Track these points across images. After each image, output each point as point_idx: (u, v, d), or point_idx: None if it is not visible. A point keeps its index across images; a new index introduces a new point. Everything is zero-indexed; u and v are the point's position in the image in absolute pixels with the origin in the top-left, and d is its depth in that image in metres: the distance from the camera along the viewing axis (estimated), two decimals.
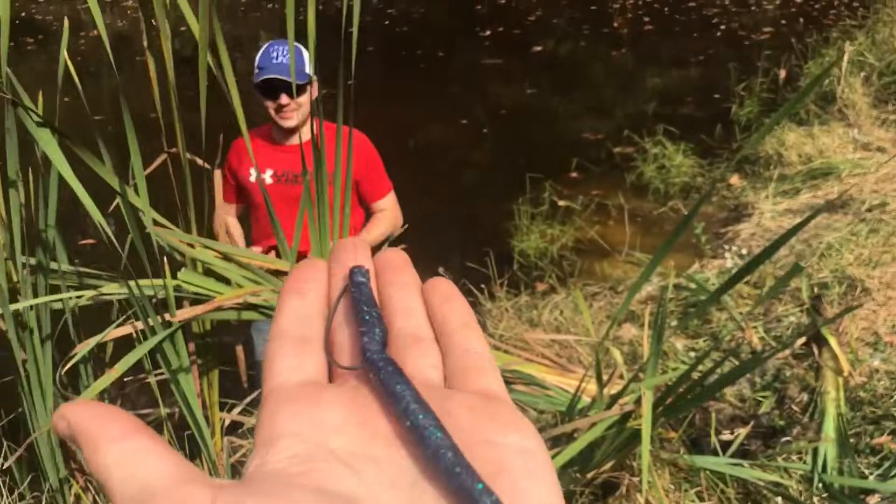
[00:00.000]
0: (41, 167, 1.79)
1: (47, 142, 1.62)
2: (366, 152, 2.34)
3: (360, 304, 0.34)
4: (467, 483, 0.28)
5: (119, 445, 0.28)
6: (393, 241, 2.50)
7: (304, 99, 2.25)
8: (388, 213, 2.45)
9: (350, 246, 0.39)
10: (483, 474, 0.29)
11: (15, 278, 1.87)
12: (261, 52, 2.27)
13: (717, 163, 4.72)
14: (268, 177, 2.32)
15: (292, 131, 2.30)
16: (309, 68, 2.22)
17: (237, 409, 1.99)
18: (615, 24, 8.81)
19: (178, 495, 0.27)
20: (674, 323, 3.02)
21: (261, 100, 2.28)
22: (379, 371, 0.31)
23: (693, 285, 3.20)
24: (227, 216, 2.34)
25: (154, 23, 1.72)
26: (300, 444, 0.29)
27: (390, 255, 0.38)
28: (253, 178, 2.31)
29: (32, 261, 1.84)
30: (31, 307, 1.84)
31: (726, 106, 5.38)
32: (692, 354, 2.85)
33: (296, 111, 2.25)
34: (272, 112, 2.26)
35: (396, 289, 0.37)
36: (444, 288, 0.36)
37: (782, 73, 5.56)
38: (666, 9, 9.11)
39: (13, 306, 1.76)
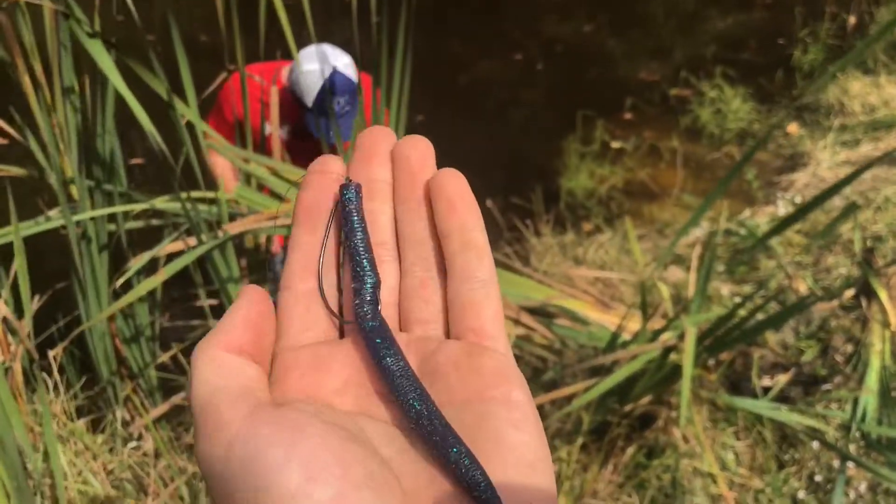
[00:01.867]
0: (96, 82, 1.81)
1: (99, 54, 1.63)
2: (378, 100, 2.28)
3: (355, 243, 0.34)
4: (443, 448, 0.30)
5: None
6: None
7: None
8: None
9: (366, 149, 0.38)
10: (468, 427, 0.31)
11: (75, 191, 1.92)
12: (307, 68, 2.10)
13: (776, 110, 4.59)
14: (284, 132, 2.22)
15: None
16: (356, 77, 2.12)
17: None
18: None
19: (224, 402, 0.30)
20: (721, 268, 2.99)
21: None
22: (367, 342, 0.33)
23: (743, 231, 3.16)
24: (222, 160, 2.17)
25: None
26: (306, 408, 0.31)
27: (409, 153, 0.37)
28: (266, 132, 2.17)
29: (91, 177, 1.88)
30: (93, 218, 1.88)
31: (789, 52, 5.21)
32: (737, 300, 2.82)
33: None
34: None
35: (409, 209, 0.37)
36: (448, 188, 0.36)
37: (851, 19, 5.34)
38: None
39: (76, 217, 1.81)
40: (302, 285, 0.35)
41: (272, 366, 0.34)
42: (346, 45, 2.25)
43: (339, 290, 0.36)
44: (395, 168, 0.37)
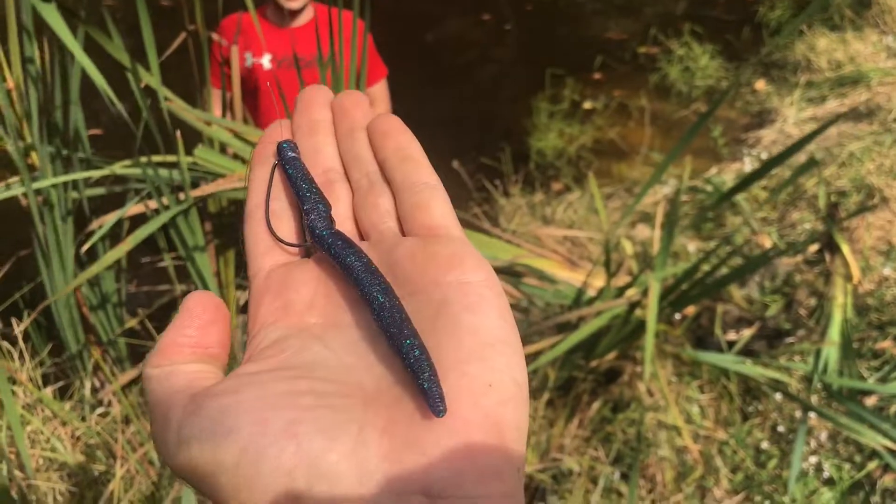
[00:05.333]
0: (54, 48, 1.78)
1: (56, 21, 1.59)
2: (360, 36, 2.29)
3: (298, 181, 0.36)
4: (398, 340, 0.30)
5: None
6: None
7: None
8: (380, 103, 2.38)
9: (305, 101, 0.40)
10: (428, 317, 0.31)
11: (35, 157, 1.89)
12: None
13: (744, 67, 4.61)
14: (266, 61, 2.25)
15: (293, 14, 2.23)
16: None
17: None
18: None
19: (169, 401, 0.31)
20: (687, 224, 3.01)
21: None
22: (329, 247, 0.34)
23: (709, 188, 3.18)
24: (214, 107, 2.24)
25: None
26: (276, 331, 0.33)
27: (343, 100, 0.40)
28: (249, 63, 2.24)
29: (52, 144, 1.85)
30: (54, 186, 1.85)
31: (756, 9, 5.21)
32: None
33: None
34: None
35: (348, 137, 0.39)
36: (383, 124, 0.38)
37: None
38: None
39: (35, 185, 1.78)
40: (262, 214, 0.37)
41: (249, 291, 0.36)
42: None
43: (298, 222, 0.37)
44: (334, 113, 0.40)
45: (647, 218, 3.11)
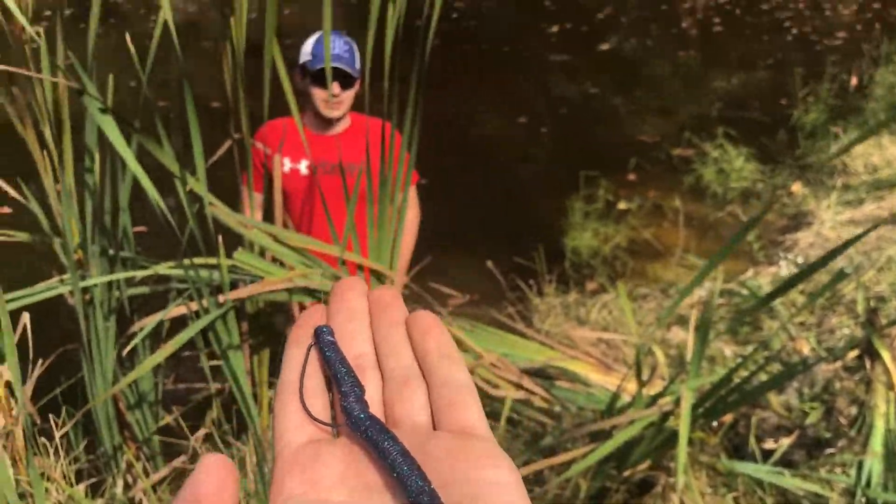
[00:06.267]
0: (105, 152, 1.87)
1: (111, 128, 1.68)
2: (397, 145, 2.35)
3: (335, 364, 0.39)
4: None
5: None
6: (436, 235, 2.51)
7: (352, 92, 2.28)
8: (410, 208, 2.40)
9: (342, 290, 0.43)
10: None
11: (84, 257, 1.96)
12: (313, 39, 2.28)
13: (779, 169, 4.64)
14: (302, 167, 2.33)
15: (331, 122, 2.32)
16: (359, 63, 2.25)
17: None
18: (684, 25, 8.67)
19: None
20: (723, 328, 2.99)
21: (305, 87, 2.29)
22: (364, 431, 0.36)
23: (745, 291, 3.17)
24: (255, 210, 2.32)
25: (226, 11, 1.78)
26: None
27: (382, 294, 0.43)
28: (287, 169, 2.32)
29: (99, 244, 1.92)
30: (97, 284, 1.92)
31: (791, 111, 5.27)
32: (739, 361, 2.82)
33: (343, 102, 2.28)
34: (318, 101, 2.27)
35: (386, 327, 0.41)
36: (423, 321, 0.41)
37: (853, 80, 5.42)
38: (738, 10, 8.93)
39: (83, 283, 1.85)
40: (295, 389, 0.39)
41: (275, 463, 0.37)
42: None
43: (331, 406, 0.39)
44: (371, 305, 0.43)
45: (682, 320, 3.09)
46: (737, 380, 2.02)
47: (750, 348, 2.92)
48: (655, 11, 9.17)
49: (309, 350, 0.40)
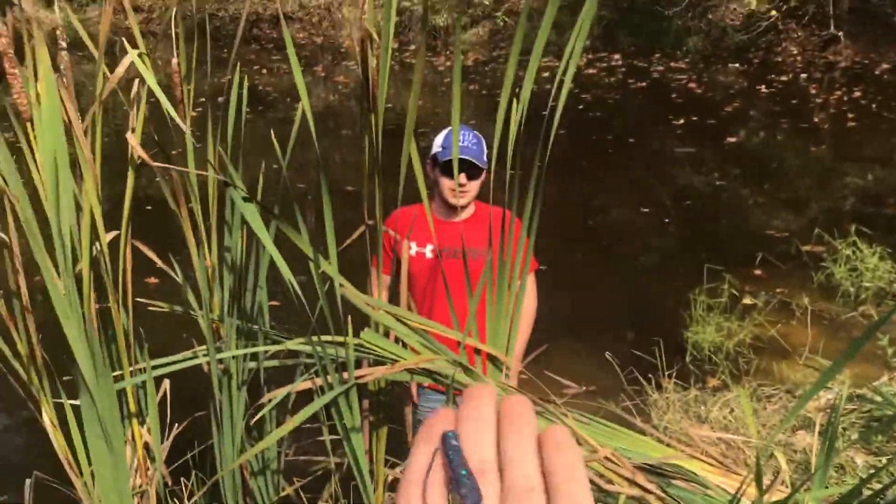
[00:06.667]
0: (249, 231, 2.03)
1: (252, 215, 1.83)
2: (517, 233, 2.41)
3: (457, 469, 0.41)
4: None
5: None
6: (554, 323, 2.53)
7: (478, 182, 2.39)
8: (526, 300, 2.44)
9: (474, 397, 0.45)
10: None
11: (222, 331, 2.11)
12: (444, 133, 2.42)
13: None
14: (427, 251, 2.44)
15: (456, 209, 2.42)
16: (485, 156, 2.37)
17: (400, 468, 2.10)
18: (816, 120, 8.49)
19: None
20: (854, 436, 2.85)
21: (435, 176, 2.42)
22: None
23: (879, 398, 3.01)
24: (382, 291, 2.43)
25: (364, 104, 1.92)
26: None
27: (513, 404, 0.44)
28: (413, 252, 2.44)
29: (236, 317, 2.07)
30: (233, 357, 2.06)
31: None
32: (871, 472, 2.67)
33: (469, 191, 2.38)
34: (446, 189, 2.39)
35: (514, 437, 0.43)
36: (557, 437, 0.42)
37: None
38: (874, 105, 8.68)
39: (220, 355, 1.98)
40: (420, 480, 0.42)
41: None
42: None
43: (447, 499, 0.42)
44: (502, 413, 0.44)
45: (809, 424, 2.96)
46: (868, 492, 1.92)
47: (885, 459, 2.76)
48: (785, 105, 9.03)
49: (435, 453, 0.43)
